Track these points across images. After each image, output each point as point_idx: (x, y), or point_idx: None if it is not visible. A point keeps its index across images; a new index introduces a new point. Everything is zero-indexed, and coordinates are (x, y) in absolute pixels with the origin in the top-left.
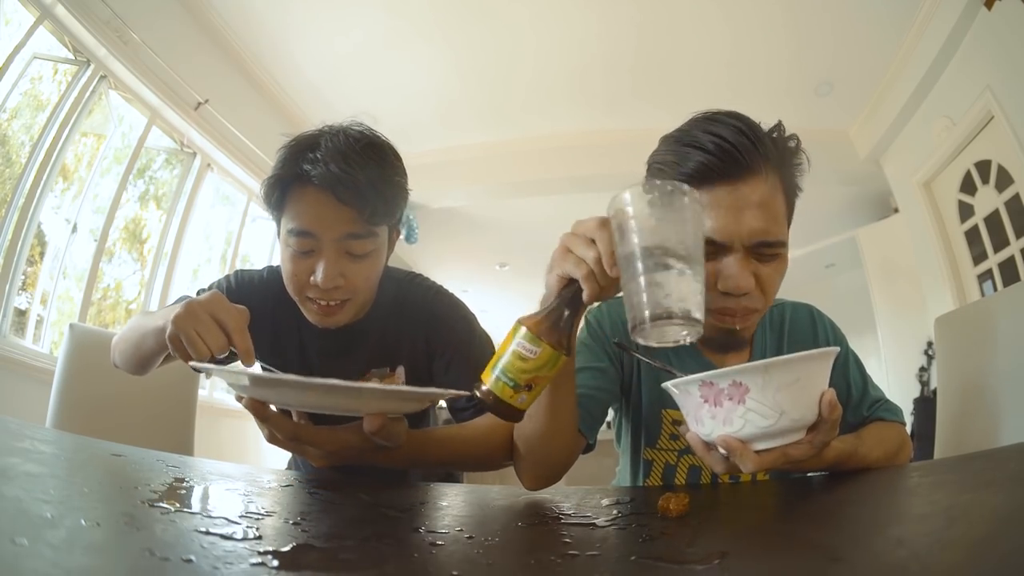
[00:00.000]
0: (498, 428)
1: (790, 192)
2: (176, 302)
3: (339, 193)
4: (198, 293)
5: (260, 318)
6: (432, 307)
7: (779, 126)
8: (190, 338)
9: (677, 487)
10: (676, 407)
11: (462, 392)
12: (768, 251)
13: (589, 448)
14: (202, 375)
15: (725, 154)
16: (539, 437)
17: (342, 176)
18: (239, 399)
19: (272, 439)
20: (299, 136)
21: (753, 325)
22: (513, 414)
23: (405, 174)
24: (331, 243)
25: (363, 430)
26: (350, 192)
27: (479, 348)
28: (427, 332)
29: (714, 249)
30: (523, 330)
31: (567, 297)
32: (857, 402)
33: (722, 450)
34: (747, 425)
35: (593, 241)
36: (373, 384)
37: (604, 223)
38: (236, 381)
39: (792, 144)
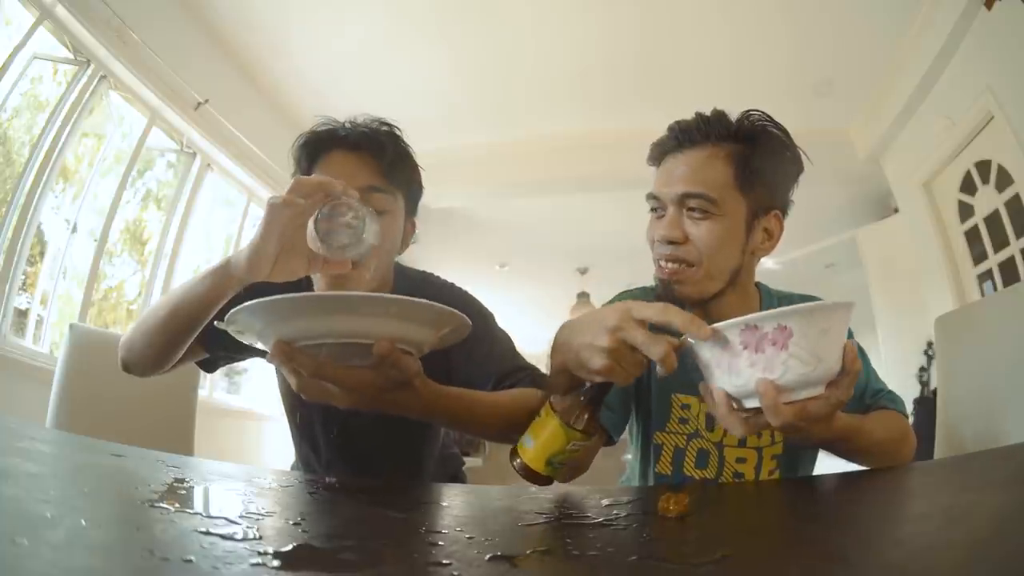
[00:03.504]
0: (519, 402)
1: (742, 162)
2: None
3: (366, 148)
4: None
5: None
6: (447, 304)
7: (749, 111)
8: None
9: (686, 473)
10: (685, 392)
11: (466, 320)
12: (693, 203)
13: (610, 440)
14: (201, 373)
15: (672, 134)
16: None
17: (369, 135)
18: (270, 358)
19: (301, 387)
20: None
21: (691, 283)
22: (551, 481)
23: (417, 164)
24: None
25: (376, 367)
26: (375, 149)
27: (500, 343)
28: None
29: (658, 205)
30: (576, 434)
31: (601, 389)
32: (860, 392)
33: (748, 400)
34: (788, 372)
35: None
36: (378, 294)
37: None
38: (254, 316)
39: (753, 124)
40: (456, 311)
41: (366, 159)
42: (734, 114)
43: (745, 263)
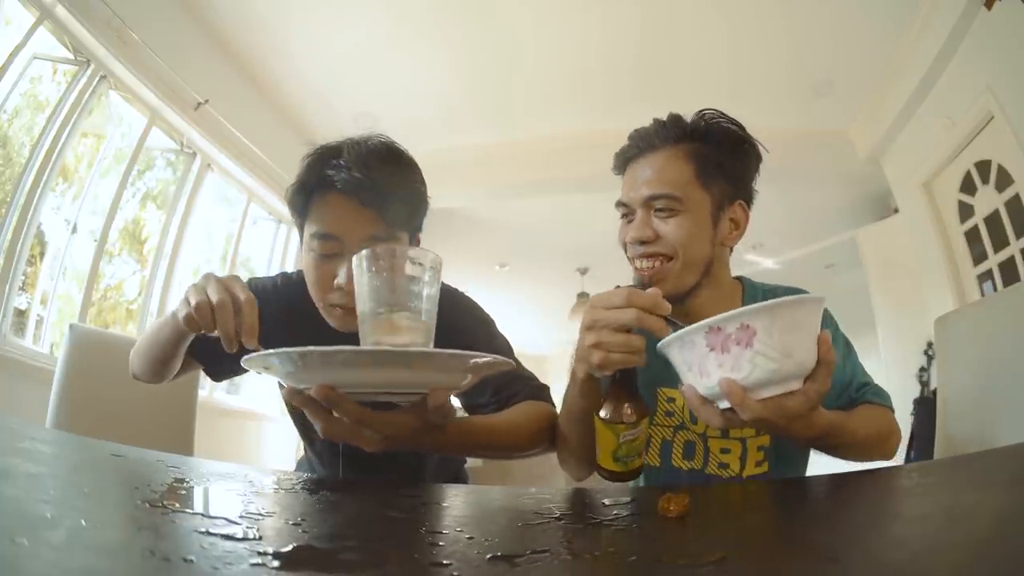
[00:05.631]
0: (524, 419)
1: (701, 159)
2: None
3: (362, 196)
4: None
5: (274, 327)
6: (450, 316)
7: (703, 111)
8: (199, 302)
9: (673, 464)
10: (670, 385)
11: (508, 361)
12: (659, 204)
13: None
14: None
15: (632, 142)
16: (579, 445)
17: (364, 180)
18: (290, 396)
19: (329, 430)
20: (323, 145)
21: (671, 279)
22: (639, 472)
23: (424, 182)
24: (354, 245)
25: (417, 412)
26: (372, 195)
27: (499, 350)
28: (447, 341)
29: (627, 211)
30: (621, 427)
31: (623, 377)
32: (846, 384)
33: (721, 401)
34: (755, 369)
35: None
36: (441, 350)
37: (606, 308)
38: (297, 365)
39: (706, 123)
40: (504, 358)
41: (365, 208)
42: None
43: (716, 254)
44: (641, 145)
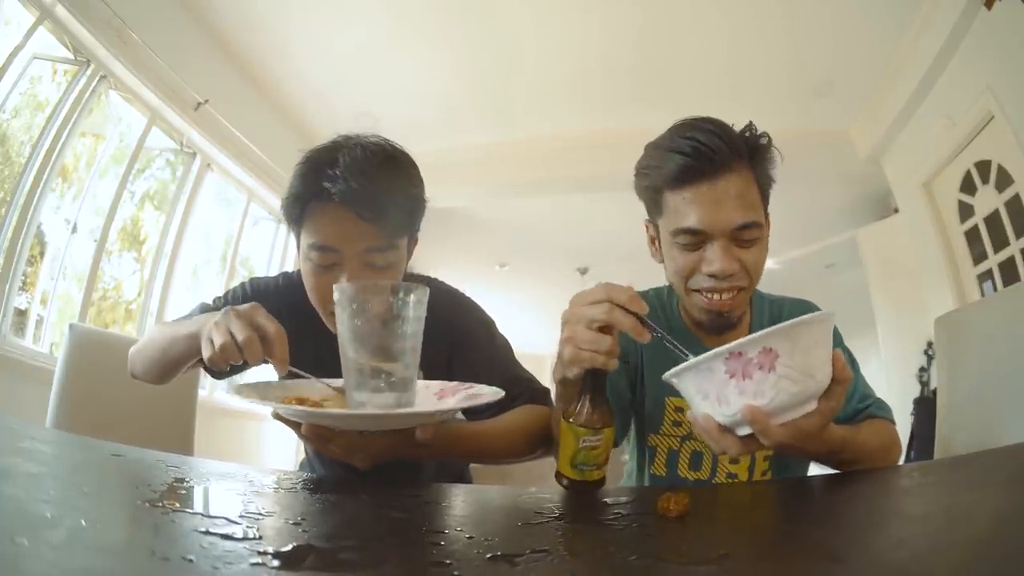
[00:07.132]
0: (521, 424)
1: (763, 183)
2: (192, 313)
3: (359, 208)
4: (214, 302)
5: None
6: (451, 316)
7: (750, 125)
8: (224, 343)
9: (680, 475)
10: (677, 395)
11: (499, 392)
12: (747, 235)
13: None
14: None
15: (702, 155)
16: None
17: (362, 192)
18: (278, 416)
19: (322, 452)
20: (316, 150)
21: (742, 304)
22: (598, 486)
23: (422, 184)
24: (353, 257)
25: (405, 436)
26: (370, 206)
27: (500, 351)
28: (448, 341)
29: (699, 239)
30: (581, 430)
31: (593, 381)
32: (849, 396)
33: (740, 428)
34: (779, 394)
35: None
36: (423, 410)
37: (588, 305)
38: (309, 419)
39: (763, 141)
40: (493, 389)
41: (363, 220)
42: (731, 120)
43: None
44: (716, 161)
